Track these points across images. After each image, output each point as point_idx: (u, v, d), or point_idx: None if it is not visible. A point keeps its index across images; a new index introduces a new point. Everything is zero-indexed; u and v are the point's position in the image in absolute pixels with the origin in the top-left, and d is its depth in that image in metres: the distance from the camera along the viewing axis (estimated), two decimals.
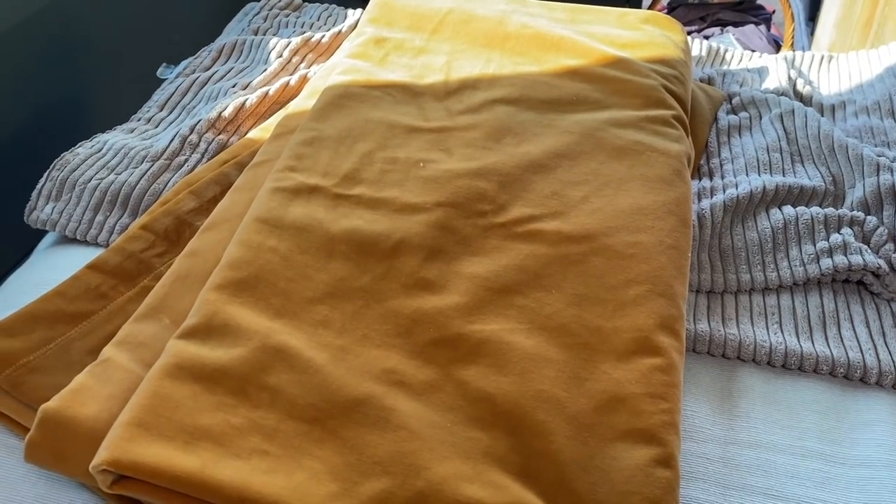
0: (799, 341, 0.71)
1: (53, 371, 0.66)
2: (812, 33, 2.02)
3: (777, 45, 1.96)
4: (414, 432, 0.58)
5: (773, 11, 2.11)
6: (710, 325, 0.73)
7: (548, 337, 0.65)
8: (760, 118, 0.95)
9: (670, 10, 2.04)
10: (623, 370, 0.63)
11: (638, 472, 0.57)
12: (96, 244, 0.84)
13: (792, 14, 1.83)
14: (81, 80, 1.26)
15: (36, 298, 0.71)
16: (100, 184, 0.86)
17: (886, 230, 0.78)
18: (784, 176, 0.85)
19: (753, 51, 1.89)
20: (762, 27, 1.98)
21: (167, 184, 0.86)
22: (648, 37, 0.98)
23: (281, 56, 1.06)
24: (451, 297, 0.67)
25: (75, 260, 0.81)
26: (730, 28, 1.99)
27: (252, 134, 0.91)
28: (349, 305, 0.66)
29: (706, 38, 1.96)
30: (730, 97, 1.00)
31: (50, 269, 0.82)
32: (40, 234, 0.90)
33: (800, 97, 1.01)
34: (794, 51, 1.77)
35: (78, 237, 0.84)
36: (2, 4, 1.08)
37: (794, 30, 1.83)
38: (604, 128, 0.84)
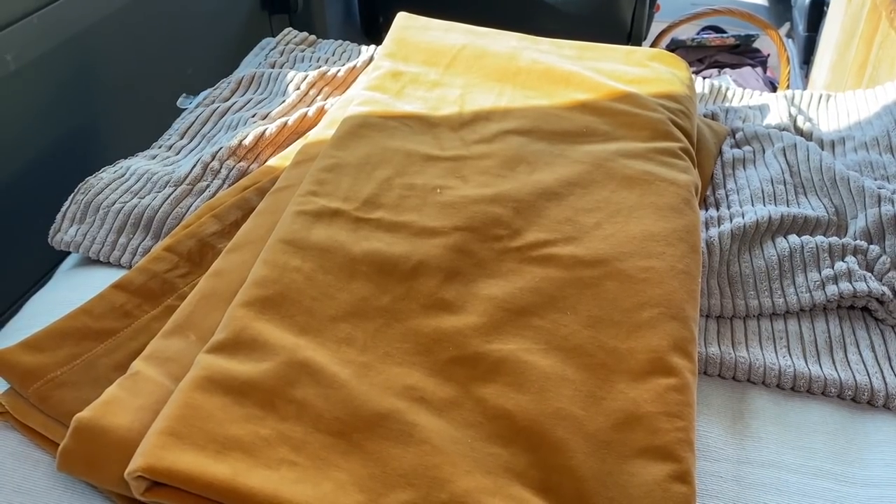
0: (807, 364, 0.73)
1: (80, 386, 0.67)
2: (807, 76, 2.08)
3: (773, 87, 2.01)
4: (436, 447, 0.59)
5: (769, 55, 2.17)
6: (720, 349, 0.75)
7: (564, 357, 0.67)
8: (764, 152, 0.98)
9: (669, 51, 2.10)
10: (639, 390, 0.64)
11: (655, 488, 0.58)
12: (118, 266, 0.86)
13: (788, 57, 1.88)
14: (103, 110, 1.29)
15: (62, 316, 0.73)
16: (123, 207, 0.88)
17: (889, 259, 0.81)
18: (788, 206, 0.88)
19: None
20: (758, 69, 2.04)
21: (189, 208, 0.88)
22: (655, 73, 1.02)
23: (298, 88, 1.09)
24: (469, 317, 0.69)
25: (97, 281, 0.83)
26: (727, 70, 2.04)
27: (272, 162, 0.94)
28: (371, 324, 0.68)
29: (704, 79, 2.01)
30: (733, 132, 1.03)
31: (72, 290, 0.83)
32: (62, 255, 0.92)
33: (800, 133, 1.05)
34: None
35: (101, 259, 0.86)
36: (26, 37, 1.11)
37: (789, 72, 1.88)
38: (613, 158, 0.87)
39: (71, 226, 0.88)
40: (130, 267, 0.84)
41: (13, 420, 0.67)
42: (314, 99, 1.08)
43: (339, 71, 1.13)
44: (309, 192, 0.79)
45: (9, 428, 0.67)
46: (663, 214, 0.80)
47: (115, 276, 0.81)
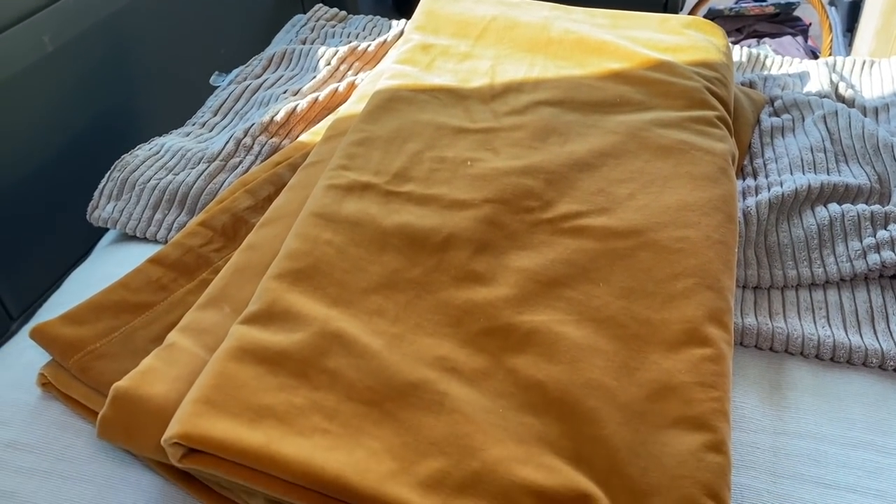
0: (847, 335, 0.71)
1: (119, 357, 0.68)
2: (850, 44, 2.01)
3: (815, 57, 1.96)
4: (467, 416, 0.59)
5: (811, 24, 2.11)
6: (757, 320, 0.73)
7: (597, 328, 0.66)
8: (803, 120, 0.95)
9: None
10: (673, 360, 0.64)
11: (689, 457, 0.57)
12: (155, 241, 0.87)
13: (830, 25, 1.83)
14: (138, 89, 1.31)
15: (101, 290, 0.74)
16: (158, 183, 0.89)
17: None
18: (828, 175, 0.86)
19: None
20: (799, 38, 1.98)
21: (223, 184, 0.89)
22: (690, 41, 0.99)
23: (329, 64, 1.09)
24: (501, 289, 0.69)
25: (135, 256, 0.85)
26: (766, 40, 1.99)
27: (303, 137, 0.94)
28: (402, 296, 0.68)
29: (742, 48, 1.97)
30: (772, 100, 1.01)
31: (111, 265, 0.85)
32: (101, 231, 0.94)
33: (842, 100, 1.02)
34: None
35: (137, 234, 0.88)
36: (63, 18, 1.13)
37: (831, 40, 1.83)
38: (648, 128, 0.86)
39: (108, 203, 0.90)
40: (166, 242, 0.86)
41: (55, 391, 0.68)
42: (345, 74, 1.08)
43: (369, 46, 1.12)
44: (340, 167, 0.79)
45: (52, 398, 0.69)
46: (699, 184, 0.79)
47: (151, 251, 0.83)
